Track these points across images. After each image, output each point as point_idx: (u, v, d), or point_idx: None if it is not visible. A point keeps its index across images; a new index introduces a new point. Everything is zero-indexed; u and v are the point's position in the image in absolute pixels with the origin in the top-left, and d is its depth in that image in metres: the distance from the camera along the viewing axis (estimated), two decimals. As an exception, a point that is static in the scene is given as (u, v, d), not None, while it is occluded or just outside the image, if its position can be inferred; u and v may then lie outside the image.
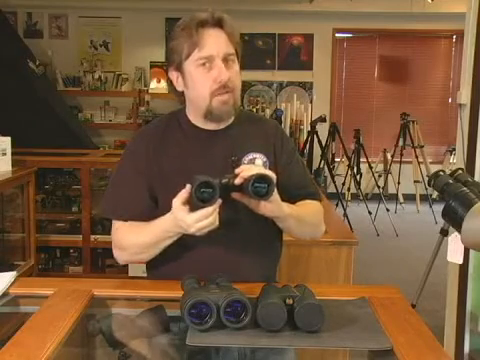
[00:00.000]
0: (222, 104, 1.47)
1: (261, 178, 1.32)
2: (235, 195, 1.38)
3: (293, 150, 1.67)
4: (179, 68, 1.49)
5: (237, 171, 1.37)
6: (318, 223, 1.63)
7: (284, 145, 1.61)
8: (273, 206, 1.39)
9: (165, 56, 1.55)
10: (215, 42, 1.45)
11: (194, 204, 1.31)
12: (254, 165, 1.38)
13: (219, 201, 1.32)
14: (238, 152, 1.52)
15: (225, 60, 1.45)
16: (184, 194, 1.33)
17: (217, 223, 1.34)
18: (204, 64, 1.44)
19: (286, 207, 1.45)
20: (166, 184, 1.49)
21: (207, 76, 1.45)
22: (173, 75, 1.52)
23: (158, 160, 1.52)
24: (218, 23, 1.45)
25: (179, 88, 1.53)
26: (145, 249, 1.49)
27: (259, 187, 1.32)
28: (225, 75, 1.44)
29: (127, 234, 1.51)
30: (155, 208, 1.51)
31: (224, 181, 1.35)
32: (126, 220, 1.52)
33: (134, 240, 1.50)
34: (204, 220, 1.32)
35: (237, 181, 1.35)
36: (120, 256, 1.54)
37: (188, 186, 1.32)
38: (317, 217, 1.61)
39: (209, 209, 1.31)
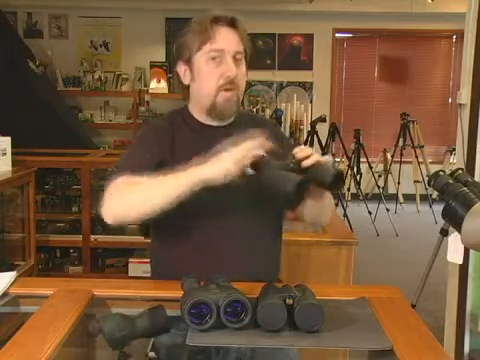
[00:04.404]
0: (226, 101, 1.51)
1: (339, 175, 1.35)
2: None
3: (293, 147, 1.71)
4: (188, 62, 1.52)
5: (299, 156, 1.36)
6: (332, 208, 1.67)
7: (284, 143, 1.65)
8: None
9: (174, 50, 1.57)
10: (227, 39, 1.49)
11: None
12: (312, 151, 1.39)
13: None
14: None
15: (234, 58, 1.50)
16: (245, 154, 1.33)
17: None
18: (214, 58, 1.48)
19: None
20: None
21: (215, 71, 1.49)
22: (181, 68, 1.55)
23: (170, 149, 1.53)
24: (232, 23, 1.50)
25: (186, 81, 1.56)
26: (147, 195, 1.38)
27: (337, 183, 1.35)
28: (233, 71, 1.48)
29: (132, 180, 1.40)
30: None
31: (291, 165, 1.35)
32: None
33: (140, 183, 1.39)
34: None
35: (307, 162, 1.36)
36: (111, 205, 1.40)
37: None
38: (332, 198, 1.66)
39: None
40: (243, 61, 1.53)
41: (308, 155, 1.36)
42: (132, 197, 1.40)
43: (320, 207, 1.55)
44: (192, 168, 1.34)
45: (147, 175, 1.39)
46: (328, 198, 1.57)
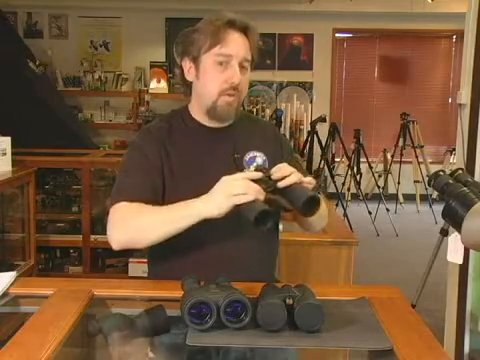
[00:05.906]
0: (227, 105, 1.51)
1: (312, 200, 1.33)
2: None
3: (291, 150, 1.79)
4: (195, 60, 1.52)
5: (276, 176, 1.36)
6: (327, 214, 1.70)
7: (283, 145, 1.68)
8: None
9: (181, 45, 1.57)
10: (237, 45, 1.50)
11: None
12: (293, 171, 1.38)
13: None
14: (240, 150, 1.57)
15: (241, 65, 1.50)
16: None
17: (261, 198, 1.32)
18: (221, 63, 1.49)
19: None
20: (173, 177, 1.51)
21: (220, 75, 1.50)
22: (186, 65, 1.56)
23: (167, 152, 1.53)
24: (244, 29, 1.51)
25: (189, 78, 1.57)
26: (150, 226, 1.43)
27: (309, 208, 1.34)
28: (238, 78, 1.49)
29: (135, 209, 1.44)
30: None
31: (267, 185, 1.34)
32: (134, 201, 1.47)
33: (143, 214, 1.44)
34: (252, 184, 1.32)
35: (284, 183, 1.35)
36: (117, 234, 1.45)
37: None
38: (326, 208, 1.67)
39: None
40: (248, 69, 1.54)
41: (286, 175, 1.36)
42: (137, 227, 1.44)
43: (311, 220, 1.56)
44: (190, 204, 1.38)
45: (149, 193, 1.46)
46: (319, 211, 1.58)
